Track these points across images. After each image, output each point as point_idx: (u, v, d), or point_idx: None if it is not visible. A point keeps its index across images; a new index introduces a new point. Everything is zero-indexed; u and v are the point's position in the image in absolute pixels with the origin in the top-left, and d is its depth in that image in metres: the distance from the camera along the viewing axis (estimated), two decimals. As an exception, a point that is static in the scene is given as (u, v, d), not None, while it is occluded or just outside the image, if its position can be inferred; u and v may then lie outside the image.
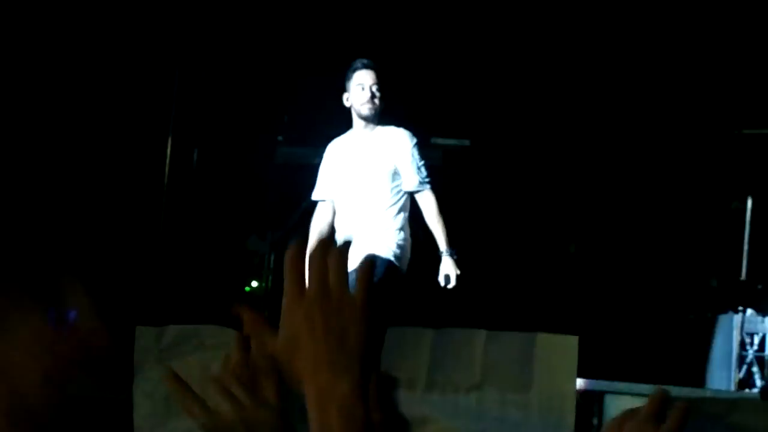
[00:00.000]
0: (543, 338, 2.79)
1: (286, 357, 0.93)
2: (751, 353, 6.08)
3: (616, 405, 4.36)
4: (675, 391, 4.86)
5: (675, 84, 6.95)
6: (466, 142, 6.91)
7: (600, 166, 7.08)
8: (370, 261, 0.97)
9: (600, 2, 6.96)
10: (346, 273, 0.92)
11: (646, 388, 4.65)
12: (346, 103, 4.34)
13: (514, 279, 6.85)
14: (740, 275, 6.21)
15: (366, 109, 4.26)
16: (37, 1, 6.81)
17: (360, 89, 4.25)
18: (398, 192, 4.28)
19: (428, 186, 4.31)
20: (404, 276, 4.22)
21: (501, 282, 6.80)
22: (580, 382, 3.44)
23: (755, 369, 6.03)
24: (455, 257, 4.24)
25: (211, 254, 7.63)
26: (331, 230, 4.33)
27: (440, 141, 6.66)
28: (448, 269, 4.25)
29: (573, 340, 2.78)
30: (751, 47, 6.79)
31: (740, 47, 6.83)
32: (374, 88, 4.24)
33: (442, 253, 4.29)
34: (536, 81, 7.05)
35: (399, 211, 4.27)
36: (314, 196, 4.44)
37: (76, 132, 7.04)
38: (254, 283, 7.83)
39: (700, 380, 6.09)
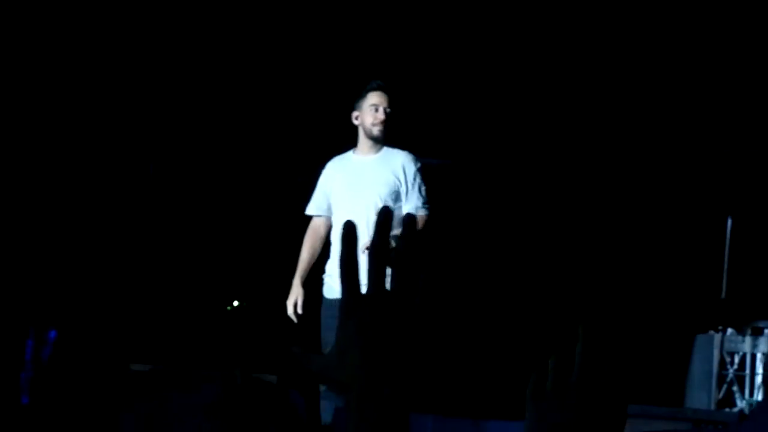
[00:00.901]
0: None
1: (332, 365, 0.92)
2: (731, 372, 6.10)
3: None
4: (655, 410, 4.89)
5: (654, 105, 7.00)
6: (448, 161, 7.00)
7: (580, 185, 7.12)
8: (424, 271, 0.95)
9: (581, 25, 7.01)
10: (410, 276, 0.91)
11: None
12: (355, 122, 4.32)
13: (493, 295, 6.87)
14: (720, 294, 6.24)
15: (377, 130, 4.26)
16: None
17: (373, 110, 4.25)
18: (395, 213, 4.31)
19: (427, 209, 4.30)
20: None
21: (480, 296, 6.83)
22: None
23: (735, 388, 6.05)
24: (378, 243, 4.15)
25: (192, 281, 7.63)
26: (323, 246, 4.33)
27: (423, 160, 6.78)
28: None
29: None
30: (735, 68, 6.86)
31: (724, 68, 6.90)
32: (387, 110, 4.24)
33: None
34: (518, 102, 7.10)
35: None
36: (309, 211, 4.42)
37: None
38: (235, 303, 7.83)
39: (679, 399, 6.10)
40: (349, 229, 0.96)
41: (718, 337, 6.13)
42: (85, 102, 7.30)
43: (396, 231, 3.61)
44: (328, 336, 4.00)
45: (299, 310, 4.02)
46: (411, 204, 4.25)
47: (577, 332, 1.06)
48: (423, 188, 4.32)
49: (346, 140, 4.62)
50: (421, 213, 4.28)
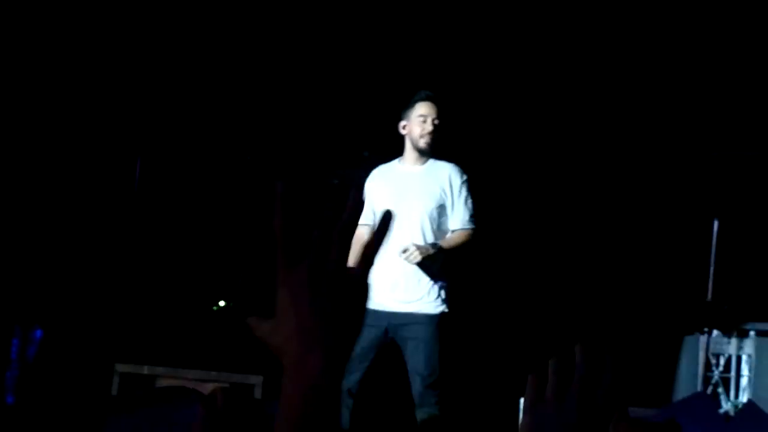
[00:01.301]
0: None
1: (272, 332, 0.92)
2: (716, 374, 6.14)
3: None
4: (640, 411, 4.91)
5: (641, 109, 7.04)
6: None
7: (566, 187, 7.15)
8: (378, 240, 0.93)
9: (562, 29, 7.05)
10: (348, 249, 0.90)
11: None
12: (402, 131, 4.24)
13: (481, 302, 6.88)
14: (706, 296, 6.28)
15: (423, 142, 4.17)
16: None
17: (421, 120, 4.16)
18: (443, 226, 4.18)
19: (473, 223, 4.20)
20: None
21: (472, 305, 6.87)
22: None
23: (720, 390, 6.09)
24: (435, 250, 4.04)
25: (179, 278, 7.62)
26: None
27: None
28: (416, 250, 3.98)
29: None
30: (721, 71, 6.90)
31: (710, 72, 6.94)
32: (436, 122, 4.16)
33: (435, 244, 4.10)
34: (509, 110, 7.16)
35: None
36: None
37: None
38: (221, 303, 7.82)
39: (666, 401, 6.13)
40: (285, 196, 0.95)
41: (703, 339, 6.17)
42: (69, 97, 7.28)
43: (439, 241, 3.62)
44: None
45: None
46: (458, 218, 4.16)
47: (575, 336, 1.06)
48: (470, 201, 4.20)
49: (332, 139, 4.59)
50: (468, 227, 4.19)
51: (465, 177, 4.24)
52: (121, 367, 5.43)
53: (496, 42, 7.11)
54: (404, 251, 3.93)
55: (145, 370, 5.43)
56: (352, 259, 0.93)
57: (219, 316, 7.63)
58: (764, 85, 6.65)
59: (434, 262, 4.04)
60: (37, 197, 6.87)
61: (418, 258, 3.96)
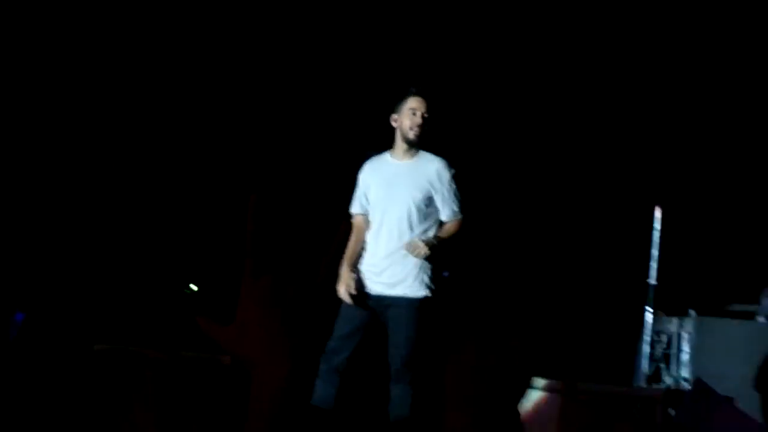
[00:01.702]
0: None
1: (236, 342, 1.26)
2: (659, 350, 6.54)
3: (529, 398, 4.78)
4: (586, 386, 5.26)
5: (586, 98, 7.32)
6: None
7: (518, 171, 7.43)
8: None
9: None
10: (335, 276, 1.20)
11: (556, 383, 5.06)
12: (393, 124, 4.41)
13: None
14: (649, 278, 6.62)
15: (413, 134, 4.33)
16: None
17: (411, 113, 4.33)
18: (428, 217, 4.34)
19: (460, 215, 4.37)
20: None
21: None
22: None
23: (662, 365, 6.48)
24: (436, 242, 4.32)
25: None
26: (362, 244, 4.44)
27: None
28: (424, 246, 4.28)
29: None
30: (664, 61, 7.19)
31: (654, 61, 7.22)
32: (425, 115, 4.36)
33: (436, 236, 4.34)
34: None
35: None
36: (353, 209, 4.45)
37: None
38: (193, 287, 8.00)
39: (622, 375, 6.50)
40: (258, 209, 1.27)
41: (649, 318, 6.55)
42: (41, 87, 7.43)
43: (430, 233, 4.03)
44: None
45: (353, 291, 4.12)
46: (447, 210, 4.32)
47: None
48: (457, 194, 4.45)
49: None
50: (458, 218, 4.48)
51: (453, 171, 4.43)
52: (99, 347, 5.62)
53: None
54: (412, 247, 4.25)
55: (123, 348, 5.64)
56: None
57: (190, 298, 7.86)
58: (704, 77, 6.97)
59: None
60: (15, 184, 7.05)
61: (427, 253, 4.18)
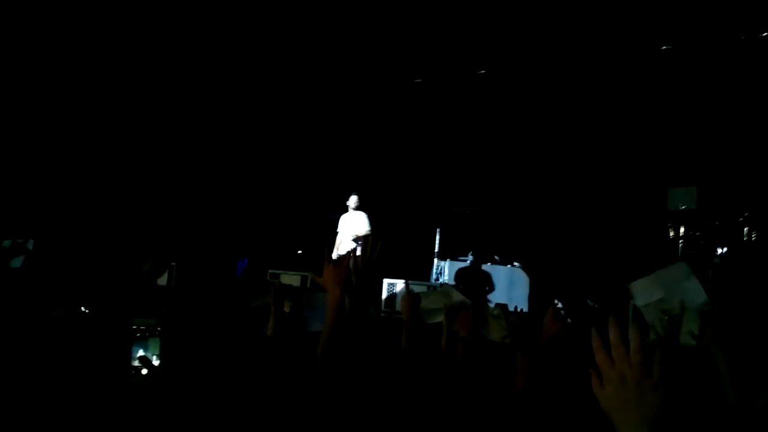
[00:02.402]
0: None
1: (324, 282, 2.20)
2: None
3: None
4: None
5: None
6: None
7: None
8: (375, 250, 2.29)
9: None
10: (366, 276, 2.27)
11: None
12: (349, 204, 8.50)
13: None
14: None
15: (351, 209, 8.12)
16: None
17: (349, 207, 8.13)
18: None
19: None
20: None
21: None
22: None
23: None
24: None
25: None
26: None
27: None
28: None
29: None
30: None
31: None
32: (353, 206, 8.41)
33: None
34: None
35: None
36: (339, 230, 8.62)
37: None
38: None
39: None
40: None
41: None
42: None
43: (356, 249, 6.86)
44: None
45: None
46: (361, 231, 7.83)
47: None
48: (369, 224, 8.31)
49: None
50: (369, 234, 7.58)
51: (366, 216, 8.28)
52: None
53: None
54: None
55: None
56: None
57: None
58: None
59: None
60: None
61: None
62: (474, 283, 7.94)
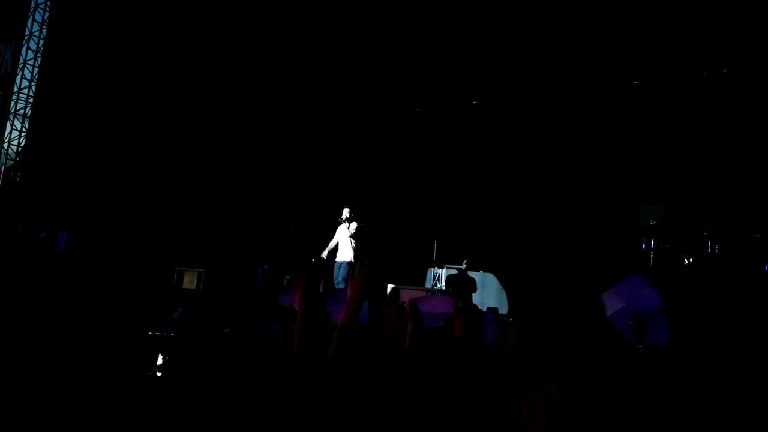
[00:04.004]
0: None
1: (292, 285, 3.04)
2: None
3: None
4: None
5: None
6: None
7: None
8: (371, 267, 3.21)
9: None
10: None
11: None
12: (343, 217, 9.54)
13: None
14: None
15: (343, 220, 8.75)
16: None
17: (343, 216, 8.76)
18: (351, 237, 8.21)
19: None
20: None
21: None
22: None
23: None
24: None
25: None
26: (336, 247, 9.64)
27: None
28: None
29: None
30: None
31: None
32: (345, 216, 8.94)
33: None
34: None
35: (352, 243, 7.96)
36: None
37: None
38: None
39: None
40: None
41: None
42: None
43: (348, 246, 8.32)
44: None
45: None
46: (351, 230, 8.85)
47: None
48: (355, 227, 9.25)
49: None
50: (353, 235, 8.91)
51: (355, 223, 9.38)
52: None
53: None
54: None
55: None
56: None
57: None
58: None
59: None
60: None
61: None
62: (461, 285, 9.11)
